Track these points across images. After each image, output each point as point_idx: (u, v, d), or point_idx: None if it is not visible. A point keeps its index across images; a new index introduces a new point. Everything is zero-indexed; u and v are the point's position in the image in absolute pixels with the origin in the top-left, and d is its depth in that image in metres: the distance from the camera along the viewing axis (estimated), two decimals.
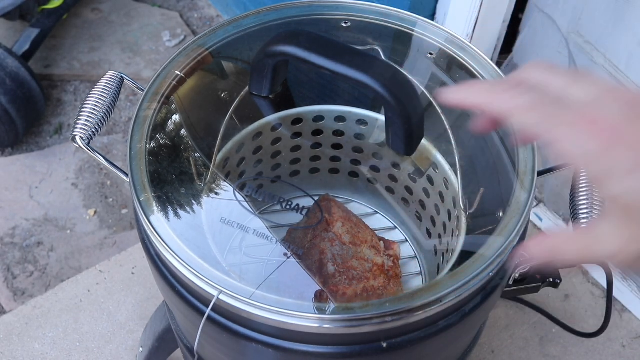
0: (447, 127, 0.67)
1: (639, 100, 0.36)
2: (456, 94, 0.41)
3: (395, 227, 0.78)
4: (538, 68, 0.40)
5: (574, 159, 0.36)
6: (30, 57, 1.53)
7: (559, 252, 0.40)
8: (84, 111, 0.66)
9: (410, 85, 0.60)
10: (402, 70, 0.67)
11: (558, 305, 1.19)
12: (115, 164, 0.67)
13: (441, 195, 0.69)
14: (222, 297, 0.53)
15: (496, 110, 0.39)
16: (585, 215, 0.60)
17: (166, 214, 0.58)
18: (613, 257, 0.37)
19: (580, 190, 0.61)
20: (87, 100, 0.67)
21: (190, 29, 1.81)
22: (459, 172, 0.65)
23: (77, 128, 0.65)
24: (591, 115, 0.35)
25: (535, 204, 1.30)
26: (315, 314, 0.52)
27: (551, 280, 0.76)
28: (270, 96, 0.69)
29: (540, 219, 1.29)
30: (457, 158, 0.66)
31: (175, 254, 0.55)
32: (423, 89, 0.70)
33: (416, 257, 0.76)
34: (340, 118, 0.72)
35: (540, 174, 0.65)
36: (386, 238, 0.73)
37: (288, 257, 0.67)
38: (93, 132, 0.65)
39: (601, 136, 0.35)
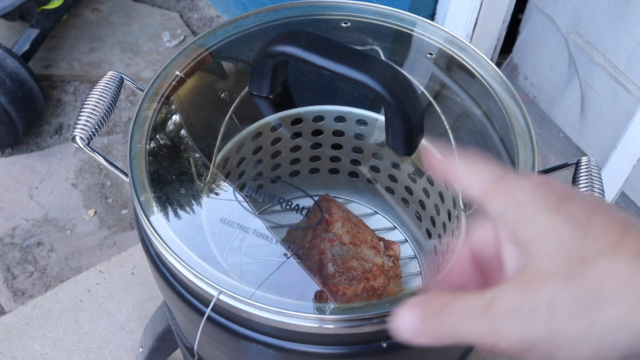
0: (447, 127, 0.67)
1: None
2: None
3: (395, 227, 0.78)
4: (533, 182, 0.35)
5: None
6: (30, 58, 1.53)
7: (457, 334, 0.31)
8: (84, 111, 0.66)
9: (410, 85, 0.60)
10: (402, 70, 0.67)
11: None
12: (115, 164, 0.67)
13: (441, 195, 0.68)
14: (222, 297, 0.53)
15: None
16: None
17: (166, 214, 0.58)
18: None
19: (580, 190, 0.61)
20: (87, 101, 0.67)
21: (190, 29, 1.81)
22: None
23: (77, 128, 0.65)
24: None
25: None
26: (315, 314, 0.52)
27: None
28: (270, 96, 0.69)
29: None
30: (457, 158, 0.66)
31: (175, 254, 0.55)
32: (423, 89, 0.70)
33: (416, 257, 0.76)
34: (340, 118, 0.72)
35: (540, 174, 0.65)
36: (386, 238, 0.73)
37: (288, 257, 0.67)
38: (93, 132, 0.65)
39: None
